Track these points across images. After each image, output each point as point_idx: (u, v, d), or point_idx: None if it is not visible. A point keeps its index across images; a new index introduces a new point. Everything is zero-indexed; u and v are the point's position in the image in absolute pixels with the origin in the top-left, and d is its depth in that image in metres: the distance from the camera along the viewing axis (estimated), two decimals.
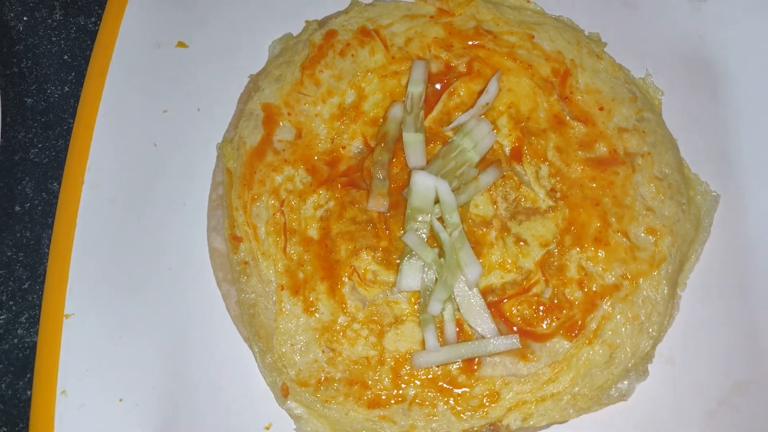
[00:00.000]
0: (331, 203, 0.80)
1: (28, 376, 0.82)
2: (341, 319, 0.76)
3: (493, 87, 0.81)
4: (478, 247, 0.77)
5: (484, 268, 0.76)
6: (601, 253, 0.76)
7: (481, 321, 0.73)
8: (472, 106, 0.81)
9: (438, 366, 0.74)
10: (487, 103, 0.81)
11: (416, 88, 0.81)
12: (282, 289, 0.77)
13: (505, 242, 0.77)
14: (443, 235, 0.74)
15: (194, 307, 0.80)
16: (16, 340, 0.84)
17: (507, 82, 0.83)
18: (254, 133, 0.83)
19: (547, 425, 0.75)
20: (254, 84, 0.87)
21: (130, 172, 0.85)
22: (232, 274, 0.80)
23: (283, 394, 0.75)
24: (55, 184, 0.89)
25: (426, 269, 0.74)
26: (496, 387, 0.74)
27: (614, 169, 0.80)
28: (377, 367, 0.74)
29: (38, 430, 0.77)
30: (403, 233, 0.75)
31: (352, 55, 0.85)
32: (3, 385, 0.82)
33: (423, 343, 0.74)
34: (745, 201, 0.82)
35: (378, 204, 0.77)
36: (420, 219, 0.75)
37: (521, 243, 0.77)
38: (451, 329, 0.74)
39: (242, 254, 0.79)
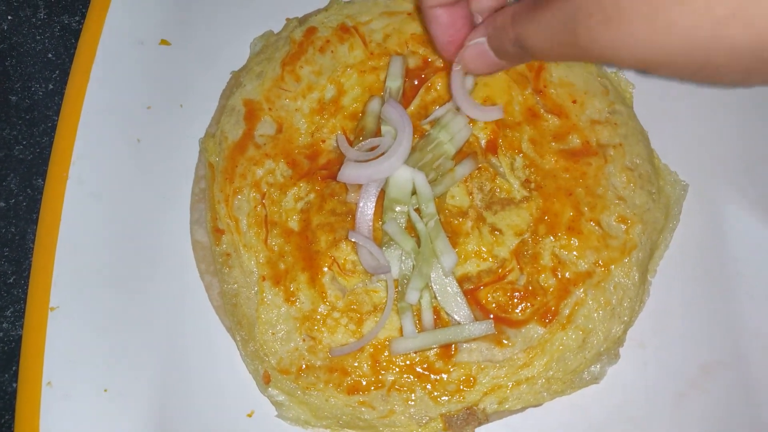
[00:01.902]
0: (312, 195, 0.81)
1: (14, 368, 0.83)
2: (321, 308, 0.78)
3: (469, 81, 0.83)
4: (454, 237, 0.79)
5: (460, 257, 0.78)
6: (574, 241, 0.79)
7: (458, 308, 0.75)
8: (448, 100, 0.83)
9: (416, 352, 0.76)
10: None
11: (394, 83, 0.83)
12: (263, 279, 0.79)
13: (480, 232, 0.79)
14: (419, 225, 0.76)
15: (177, 299, 0.82)
16: (1, 334, 0.85)
17: (482, 77, 0.85)
18: (236, 128, 0.85)
19: (523, 408, 0.77)
20: (236, 80, 0.89)
21: (114, 168, 0.87)
22: (215, 266, 0.82)
23: (265, 381, 0.77)
24: (40, 180, 0.90)
25: (404, 258, 0.76)
26: (473, 372, 0.76)
27: (587, 160, 0.82)
28: (357, 354, 0.76)
29: (24, 421, 0.78)
30: (382, 223, 0.77)
31: (332, 52, 0.87)
32: None
33: (401, 330, 0.76)
34: (712, 190, 0.84)
35: (357, 196, 0.79)
36: (398, 209, 0.77)
37: (496, 232, 0.79)
38: (428, 316, 0.76)
39: (224, 246, 0.81)
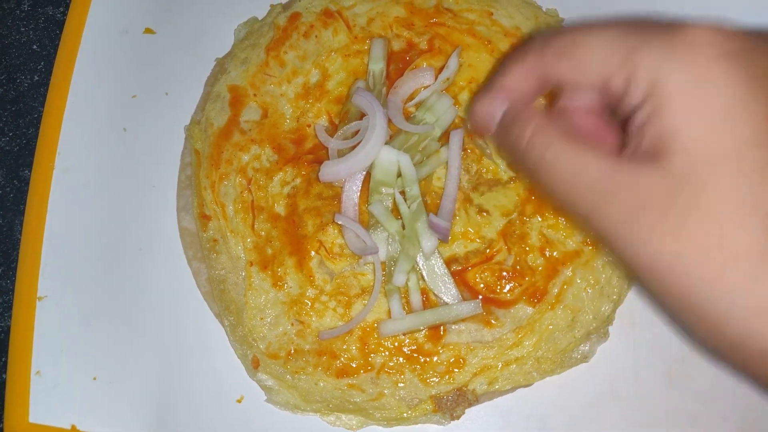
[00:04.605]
0: (298, 180, 0.81)
1: (3, 359, 0.83)
2: (309, 292, 0.77)
3: (453, 63, 0.82)
4: None
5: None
6: (561, 221, 0.78)
7: (445, 288, 0.75)
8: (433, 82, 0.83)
9: (405, 334, 0.75)
10: (448, 79, 0.82)
11: (377, 66, 0.82)
12: (251, 264, 0.79)
13: (467, 213, 0.79)
14: (403, 207, 0.76)
15: (165, 286, 0.81)
16: None
17: (467, 58, 0.85)
18: (221, 114, 0.84)
19: (513, 389, 0.77)
20: (221, 67, 0.89)
21: (100, 157, 0.87)
22: (202, 252, 0.81)
23: (254, 366, 0.76)
24: (26, 171, 0.90)
25: (390, 240, 0.76)
26: (462, 353, 0.75)
27: None
28: (345, 338, 0.76)
29: (14, 410, 0.78)
30: (368, 205, 0.77)
31: (316, 36, 0.87)
32: None
33: (389, 312, 0.75)
34: None
35: (343, 179, 0.79)
36: (384, 191, 0.77)
37: (484, 213, 0.79)
38: (416, 298, 0.75)
39: (211, 232, 0.81)
